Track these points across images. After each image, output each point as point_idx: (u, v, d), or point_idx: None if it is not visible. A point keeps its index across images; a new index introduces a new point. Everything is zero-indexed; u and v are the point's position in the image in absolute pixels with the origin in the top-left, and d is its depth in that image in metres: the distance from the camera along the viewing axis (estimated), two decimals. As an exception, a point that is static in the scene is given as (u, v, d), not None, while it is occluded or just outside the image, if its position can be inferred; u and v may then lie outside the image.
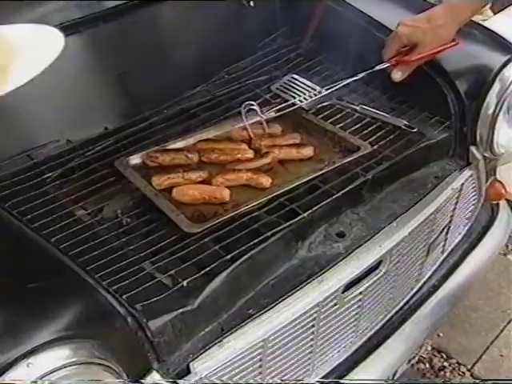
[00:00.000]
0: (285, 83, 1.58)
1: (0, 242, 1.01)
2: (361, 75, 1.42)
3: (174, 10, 1.58)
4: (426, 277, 1.51)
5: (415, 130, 1.39)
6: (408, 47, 1.38)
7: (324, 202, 1.21)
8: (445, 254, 1.56)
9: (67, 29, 1.23)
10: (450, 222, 1.47)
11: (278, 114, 1.44)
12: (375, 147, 1.34)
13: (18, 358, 0.83)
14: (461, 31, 1.37)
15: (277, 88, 1.57)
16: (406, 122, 1.41)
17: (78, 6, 1.46)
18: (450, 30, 1.35)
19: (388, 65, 1.39)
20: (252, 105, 1.40)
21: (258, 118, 1.40)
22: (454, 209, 1.46)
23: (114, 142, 1.39)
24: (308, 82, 1.58)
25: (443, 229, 1.46)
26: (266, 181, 1.25)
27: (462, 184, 1.42)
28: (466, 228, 1.61)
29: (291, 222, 1.17)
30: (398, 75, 1.39)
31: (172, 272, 1.06)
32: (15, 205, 1.17)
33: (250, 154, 1.33)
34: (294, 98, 1.53)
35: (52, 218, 1.16)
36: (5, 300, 0.91)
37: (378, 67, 1.41)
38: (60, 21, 1.35)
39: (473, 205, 1.56)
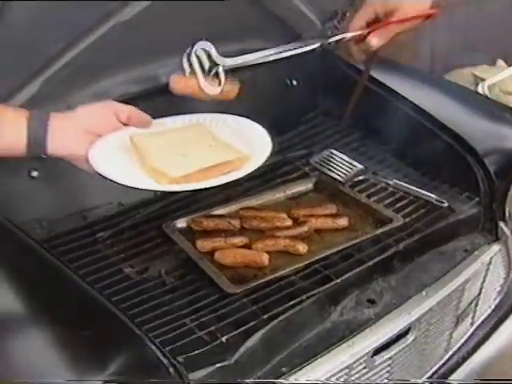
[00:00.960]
0: (323, 157, 1.68)
1: (57, 293, 1.10)
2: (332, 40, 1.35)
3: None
4: (455, 347, 1.55)
5: (446, 205, 1.47)
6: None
7: (356, 270, 1.29)
8: (474, 326, 1.60)
9: (126, 102, 1.35)
10: (479, 294, 1.53)
11: (237, 64, 1.25)
12: (407, 220, 1.42)
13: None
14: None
15: (315, 161, 1.67)
16: (436, 197, 1.49)
17: (137, 81, 1.59)
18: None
19: (359, 32, 1.31)
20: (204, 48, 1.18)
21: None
22: (483, 282, 1.52)
23: (162, 206, 1.50)
24: (345, 157, 1.68)
25: (472, 300, 1.51)
26: (302, 248, 1.33)
27: (491, 258, 1.48)
28: (496, 301, 1.65)
29: (325, 287, 1.24)
30: (374, 41, 1.30)
31: (212, 328, 1.13)
32: (69, 261, 1.27)
33: (289, 222, 1.42)
34: (332, 171, 1.64)
35: (102, 274, 1.26)
36: (59, 346, 1.00)
37: (348, 35, 1.33)
38: (119, 94, 1.48)
39: (502, 278, 1.61)
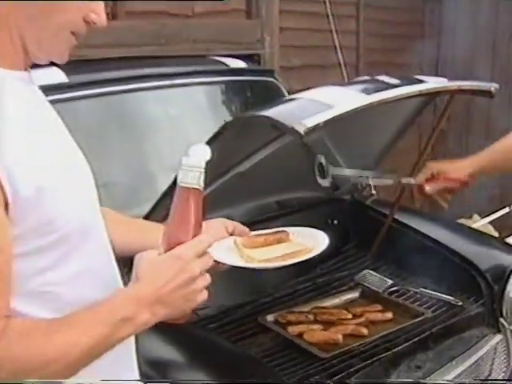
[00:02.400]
0: (363, 275, 2.24)
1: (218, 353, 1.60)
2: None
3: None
4: (475, 418, 2.03)
5: (460, 304, 2.02)
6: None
7: (404, 345, 1.81)
8: (488, 404, 2.09)
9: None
10: (489, 374, 2.03)
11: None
12: (435, 314, 1.96)
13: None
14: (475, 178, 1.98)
15: (358, 278, 2.23)
16: (453, 299, 2.04)
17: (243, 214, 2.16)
18: (466, 171, 1.96)
19: (419, 183, 1.98)
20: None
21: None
22: (492, 364, 2.03)
23: (251, 308, 2.02)
24: (377, 275, 2.24)
25: (485, 379, 2.01)
26: (365, 331, 1.85)
27: (497, 343, 2.01)
28: (503, 385, 2.15)
29: (384, 355, 1.76)
30: (429, 188, 1.97)
31: (312, 379, 1.63)
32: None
33: (350, 315, 1.95)
34: (371, 284, 2.19)
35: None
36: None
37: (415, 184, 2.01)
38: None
39: (504, 366, 2.12)
